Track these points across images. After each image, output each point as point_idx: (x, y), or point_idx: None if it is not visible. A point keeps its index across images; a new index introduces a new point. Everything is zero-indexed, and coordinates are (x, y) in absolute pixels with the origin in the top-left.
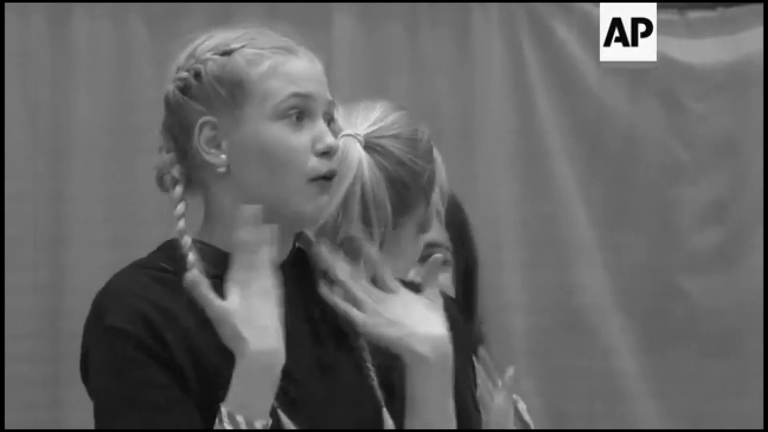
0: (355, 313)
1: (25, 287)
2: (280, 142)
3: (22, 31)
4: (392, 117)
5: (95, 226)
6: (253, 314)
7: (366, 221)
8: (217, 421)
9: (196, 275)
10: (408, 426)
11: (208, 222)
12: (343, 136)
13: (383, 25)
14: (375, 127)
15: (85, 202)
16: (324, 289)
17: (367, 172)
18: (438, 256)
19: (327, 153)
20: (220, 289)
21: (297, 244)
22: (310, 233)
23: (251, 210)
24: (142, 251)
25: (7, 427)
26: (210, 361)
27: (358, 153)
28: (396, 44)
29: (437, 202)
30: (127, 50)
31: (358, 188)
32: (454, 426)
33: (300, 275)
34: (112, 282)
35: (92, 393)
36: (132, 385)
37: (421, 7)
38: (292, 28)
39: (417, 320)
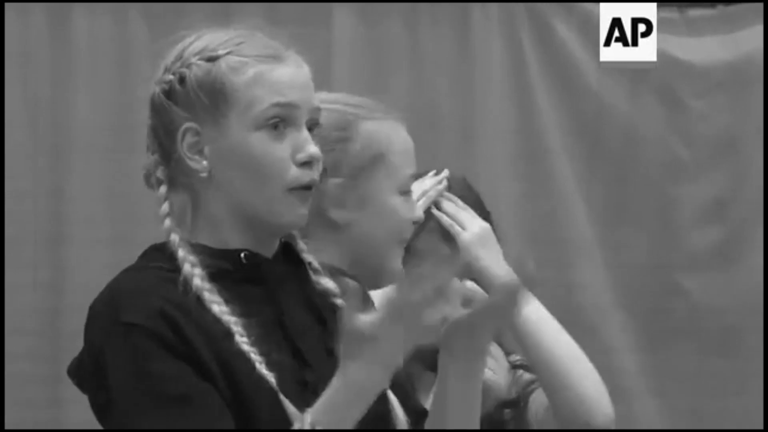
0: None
1: (25, 285)
2: (261, 152)
3: (22, 31)
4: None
5: (95, 225)
6: (382, 345)
7: None
8: (297, 425)
9: (356, 286)
10: (431, 410)
11: (196, 223)
12: None
13: (383, 24)
14: None
15: (85, 200)
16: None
17: None
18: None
19: (308, 163)
20: (217, 281)
21: (282, 239)
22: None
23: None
24: (142, 249)
25: (7, 425)
26: (228, 355)
27: None
28: (396, 43)
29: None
30: (127, 49)
31: None
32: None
33: (291, 268)
34: (120, 282)
35: (103, 392)
36: (157, 379)
37: (421, 6)
38: (292, 28)
39: None
